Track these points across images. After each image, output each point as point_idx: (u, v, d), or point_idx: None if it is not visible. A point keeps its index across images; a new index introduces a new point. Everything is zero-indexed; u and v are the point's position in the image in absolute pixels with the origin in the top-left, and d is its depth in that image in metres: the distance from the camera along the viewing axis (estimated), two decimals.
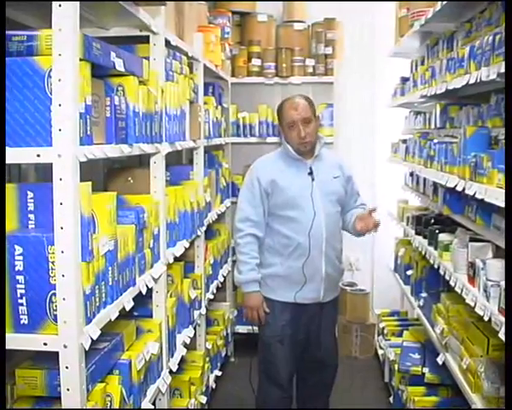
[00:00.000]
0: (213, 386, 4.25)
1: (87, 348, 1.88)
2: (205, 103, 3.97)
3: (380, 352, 4.92)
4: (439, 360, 3.41)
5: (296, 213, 3.18)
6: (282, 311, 3.26)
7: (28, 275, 1.81)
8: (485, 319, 2.58)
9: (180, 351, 3.19)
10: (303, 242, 3.16)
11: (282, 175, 3.21)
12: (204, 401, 3.77)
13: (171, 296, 3.08)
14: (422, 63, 4.23)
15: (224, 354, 4.73)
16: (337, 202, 3.29)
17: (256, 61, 5.28)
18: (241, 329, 5.11)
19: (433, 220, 4.04)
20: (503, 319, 2.39)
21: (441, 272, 3.44)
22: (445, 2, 3.19)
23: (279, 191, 3.19)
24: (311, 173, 3.22)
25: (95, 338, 1.91)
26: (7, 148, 1.77)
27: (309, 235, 3.15)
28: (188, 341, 3.36)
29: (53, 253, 1.79)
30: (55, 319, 1.82)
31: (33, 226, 1.94)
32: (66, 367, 1.81)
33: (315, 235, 3.16)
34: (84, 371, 1.88)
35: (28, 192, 1.94)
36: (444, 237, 3.51)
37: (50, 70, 1.76)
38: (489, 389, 2.67)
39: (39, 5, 2.01)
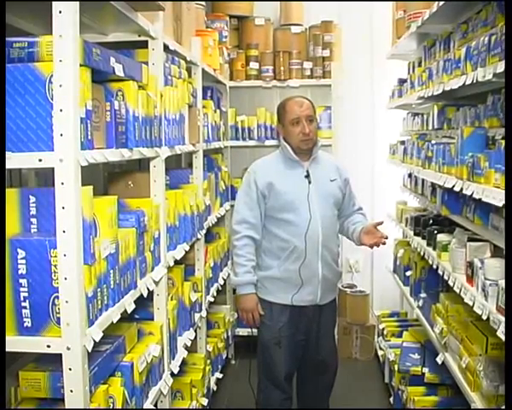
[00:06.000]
0: (214, 388, 4.26)
1: (90, 350, 1.90)
2: (203, 107, 3.99)
3: (380, 353, 4.94)
4: (439, 360, 3.43)
5: (293, 217, 3.18)
6: (280, 313, 3.27)
7: (31, 278, 1.83)
8: (484, 318, 2.60)
9: (181, 353, 3.21)
10: (299, 245, 3.17)
11: (279, 178, 3.22)
12: (205, 403, 3.78)
13: (171, 299, 3.09)
14: (419, 65, 4.26)
15: (224, 357, 4.74)
16: (334, 205, 3.30)
17: (254, 65, 5.31)
18: (242, 331, 5.11)
19: (431, 221, 4.06)
20: (501, 317, 2.41)
21: (440, 273, 3.46)
22: (441, 4, 3.21)
23: (276, 194, 3.20)
24: (307, 176, 3.23)
25: (97, 340, 1.93)
26: (9, 153, 1.79)
27: (305, 238, 3.16)
28: (189, 343, 3.38)
29: (55, 256, 1.81)
30: (58, 322, 1.84)
31: (36, 230, 1.96)
32: (70, 369, 1.83)
33: (311, 238, 3.17)
34: (86, 373, 1.89)
35: (30, 197, 1.96)
36: (442, 238, 3.53)
37: (51, 76, 1.78)
38: (488, 388, 2.69)
39: (40, 12, 2.03)
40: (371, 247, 3.27)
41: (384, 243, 3.23)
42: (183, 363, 3.36)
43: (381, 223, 3.26)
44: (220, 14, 5.07)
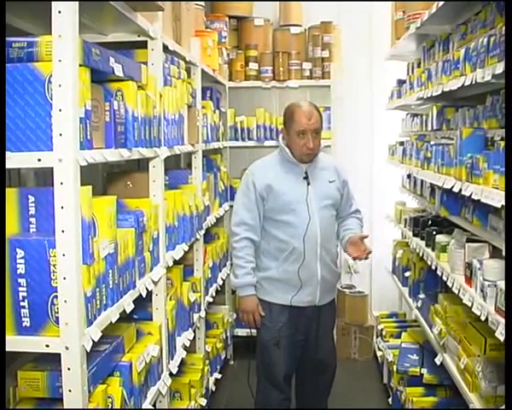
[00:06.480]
0: (213, 389, 4.26)
1: (88, 350, 1.89)
2: (203, 107, 3.99)
3: (378, 353, 4.93)
4: (437, 361, 3.43)
5: (291, 218, 3.19)
6: (279, 313, 3.27)
7: (30, 278, 1.83)
8: (482, 318, 2.60)
9: (180, 354, 3.21)
10: (298, 246, 3.17)
11: (278, 180, 3.22)
12: (204, 404, 3.78)
13: (170, 299, 3.10)
14: (419, 65, 4.26)
15: (223, 357, 4.74)
16: (332, 207, 3.30)
17: (253, 65, 5.31)
18: (241, 332, 5.12)
19: (430, 222, 4.06)
20: (499, 318, 2.41)
21: (439, 273, 3.46)
22: (440, 5, 3.21)
23: (275, 196, 3.20)
24: (306, 178, 3.23)
25: (96, 340, 1.93)
26: (8, 153, 1.79)
27: (303, 239, 3.16)
28: (187, 343, 3.38)
29: (54, 256, 1.81)
30: (57, 322, 1.83)
31: (34, 230, 1.96)
32: (68, 369, 1.83)
33: (309, 239, 3.18)
34: (85, 373, 1.89)
35: (29, 196, 1.96)
36: (441, 239, 3.53)
37: (51, 76, 1.78)
38: (486, 388, 2.69)
39: (39, 12, 2.03)
40: (354, 259, 3.28)
41: (366, 258, 3.24)
42: (182, 363, 3.37)
43: (365, 236, 3.25)
44: (219, 15, 5.07)
